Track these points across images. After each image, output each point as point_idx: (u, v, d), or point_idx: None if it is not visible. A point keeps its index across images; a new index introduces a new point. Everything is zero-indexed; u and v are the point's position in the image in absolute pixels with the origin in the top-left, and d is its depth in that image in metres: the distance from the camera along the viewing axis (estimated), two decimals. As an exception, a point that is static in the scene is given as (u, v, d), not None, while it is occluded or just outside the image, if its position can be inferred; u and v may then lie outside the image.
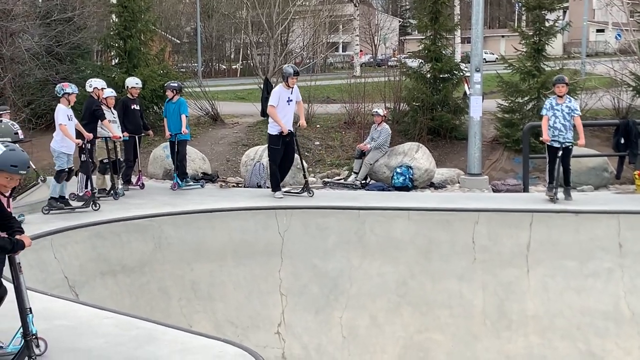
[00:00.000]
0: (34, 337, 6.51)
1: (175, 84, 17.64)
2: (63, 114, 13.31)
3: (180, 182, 16.67)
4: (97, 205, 13.41)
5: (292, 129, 15.35)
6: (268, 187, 16.73)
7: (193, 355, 6.96)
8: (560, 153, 14.66)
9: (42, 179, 15.06)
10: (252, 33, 32.00)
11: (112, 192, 14.83)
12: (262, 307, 12.94)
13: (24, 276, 6.54)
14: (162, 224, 13.13)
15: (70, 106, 13.61)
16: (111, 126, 14.89)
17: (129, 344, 7.27)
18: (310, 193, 15.44)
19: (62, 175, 13.38)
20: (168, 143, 17.68)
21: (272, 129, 15.32)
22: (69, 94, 13.49)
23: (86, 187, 13.95)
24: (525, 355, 12.66)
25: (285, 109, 15.28)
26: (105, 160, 15.13)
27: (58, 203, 13.31)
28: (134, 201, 14.63)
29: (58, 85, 13.89)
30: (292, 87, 15.46)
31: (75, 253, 11.66)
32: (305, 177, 15.95)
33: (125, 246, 12.46)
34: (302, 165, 16.15)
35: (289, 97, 15.33)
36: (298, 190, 15.76)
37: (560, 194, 14.77)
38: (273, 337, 12.65)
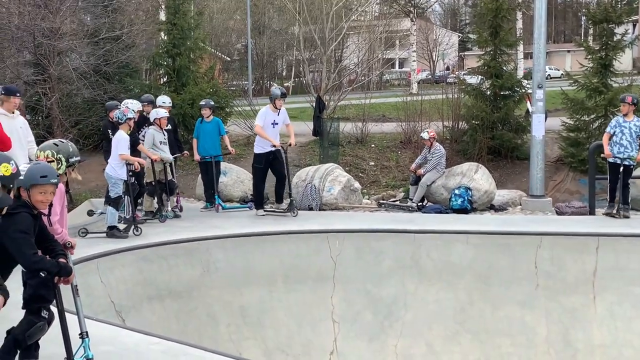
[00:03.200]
0: None
1: (213, 102, 17.84)
2: (124, 143, 13.25)
3: (223, 204, 16.85)
4: (139, 229, 13.40)
5: (280, 148, 15.79)
6: (322, 209, 16.87)
7: (241, 383, 7.04)
8: (621, 169, 15.16)
9: (97, 212, 15.04)
10: (304, 50, 32.13)
11: (157, 214, 14.96)
12: (313, 335, 12.97)
13: (80, 300, 6.73)
14: (210, 248, 13.25)
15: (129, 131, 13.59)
16: (147, 150, 14.90)
17: (176, 371, 7.35)
18: (294, 213, 15.60)
19: (120, 202, 13.47)
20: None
21: (257, 148, 15.86)
22: (130, 119, 13.52)
23: (133, 211, 13.95)
24: (592, 387, 12.54)
25: (269, 130, 15.68)
26: (153, 183, 15.23)
27: (120, 232, 13.18)
28: (181, 224, 14.79)
29: (119, 111, 13.80)
30: (279, 109, 15.86)
31: (122, 277, 11.78)
32: (290, 196, 16.02)
33: (173, 270, 12.58)
34: (289, 184, 16.19)
35: (274, 120, 15.78)
36: (282, 210, 15.97)
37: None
38: (325, 366, 12.68)
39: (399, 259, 13.70)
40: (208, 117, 17.07)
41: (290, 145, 16.23)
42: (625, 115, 15.32)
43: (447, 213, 17.08)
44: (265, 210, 15.99)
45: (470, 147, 23.74)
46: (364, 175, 23.41)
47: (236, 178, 18.79)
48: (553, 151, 23.17)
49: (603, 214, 15.93)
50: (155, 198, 15.26)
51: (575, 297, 13.21)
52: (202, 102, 17.63)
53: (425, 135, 18.56)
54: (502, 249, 13.71)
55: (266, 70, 60.97)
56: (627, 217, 15.50)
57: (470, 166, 18.36)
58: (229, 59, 51.35)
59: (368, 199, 19.81)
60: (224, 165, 18.97)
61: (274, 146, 15.62)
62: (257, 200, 16.16)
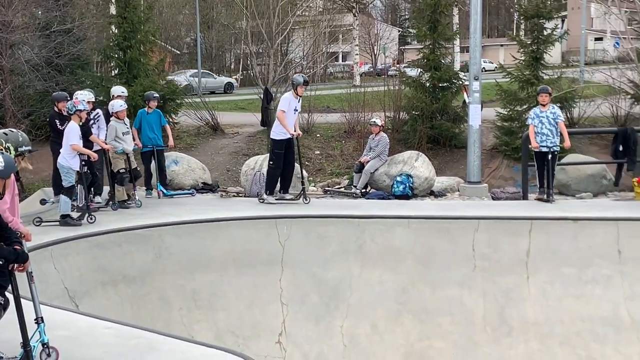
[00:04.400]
0: (45, 346, 6.65)
1: (157, 94, 17.71)
2: (75, 134, 12.97)
3: (165, 191, 16.70)
4: (93, 217, 13.17)
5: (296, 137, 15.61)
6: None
7: (194, 364, 6.96)
8: (549, 157, 15.51)
9: (50, 201, 14.80)
10: (251, 43, 31.97)
11: (110, 203, 14.75)
12: (263, 317, 12.92)
13: (35, 286, 6.69)
14: (162, 234, 13.12)
15: (81, 122, 13.31)
16: (100, 141, 14.67)
17: (129, 354, 7.27)
18: (306, 200, 15.51)
19: (73, 191, 13.24)
20: (169, 154, 17.80)
21: (277, 135, 15.51)
22: (80, 110, 13.26)
23: (85, 199, 13.71)
24: (526, 361, 12.68)
25: (291, 116, 15.45)
26: (121, 171, 15.04)
27: (74, 220, 12.96)
28: (134, 211, 14.61)
29: (70, 102, 13.60)
30: (300, 97, 15.79)
31: (76, 264, 11.62)
32: (302, 184, 15.93)
33: (126, 256, 12.44)
34: (301, 172, 16.13)
35: (296, 107, 15.63)
36: (294, 197, 15.78)
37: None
38: (274, 347, 12.63)
39: (344, 243, 13.69)
40: (151, 108, 16.88)
41: (299, 135, 16.05)
42: (542, 106, 15.68)
43: (389, 199, 17.13)
44: (275, 199, 15.68)
45: (411, 136, 23.85)
46: (310, 163, 23.37)
47: (187, 167, 18.61)
48: (488, 140, 23.37)
49: (535, 198, 16.15)
50: (124, 187, 15.06)
51: (510, 277, 13.34)
52: (147, 94, 17.51)
53: (378, 121, 18.59)
54: (441, 233, 13.79)
55: (215, 63, 60.59)
56: (551, 202, 15.65)
57: (411, 154, 18.43)
58: (178, 52, 50.98)
59: (314, 186, 19.80)
60: (175, 154, 18.90)
61: (291, 134, 15.42)
62: (270, 186, 15.80)
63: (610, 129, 21.60)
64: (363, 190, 17.70)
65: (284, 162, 15.61)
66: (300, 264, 13.44)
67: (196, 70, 46.80)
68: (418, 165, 18.00)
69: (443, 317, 13.11)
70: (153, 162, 16.76)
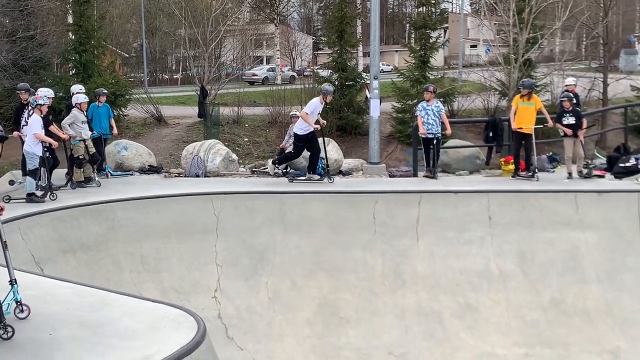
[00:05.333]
0: (18, 303, 6.63)
1: (106, 91, 17.44)
2: (38, 125, 12.58)
3: (112, 172, 16.50)
4: (54, 195, 12.83)
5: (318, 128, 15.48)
6: (207, 177, 16.60)
7: (141, 317, 6.83)
8: (434, 142, 15.78)
9: (17, 182, 14.33)
10: (189, 48, 31.59)
11: (69, 183, 14.37)
12: (201, 276, 12.79)
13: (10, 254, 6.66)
14: (114, 209, 12.83)
15: (42, 115, 12.93)
16: (57, 130, 14.33)
17: (85, 309, 7.11)
18: (330, 180, 15.32)
19: (37, 173, 12.87)
20: (120, 141, 17.62)
21: (299, 131, 15.32)
22: (40, 105, 12.89)
23: (48, 180, 13.35)
24: (416, 307, 12.83)
25: (313, 117, 15.21)
26: (80, 157, 14.68)
27: (38, 198, 12.58)
28: (89, 190, 14.23)
29: (32, 98, 13.26)
30: (326, 103, 15.64)
31: (40, 235, 11.32)
32: (327, 166, 15.74)
33: (83, 228, 12.15)
34: (326, 157, 15.90)
35: (319, 111, 15.38)
36: (319, 178, 15.50)
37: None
38: (210, 301, 12.51)
39: (268, 214, 13.63)
40: (101, 102, 16.54)
41: (324, 124, 15.84)
42: (427, 100, 15.90)
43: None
44: (304, 179, 15.52)
45: (323, 126, 23.88)
46: (239, 148, 23.25)
47: (135, 152, 18.22)
48: (386, 128, 23.63)
49: (423, 176, 16.35)
50: (83, 168, 14.62)
51: (403, 240, 13.47)
52: (96, 90, 17.16)
53: (297, 113, 18.58)
54: (348, 205, 13.84)
55: (158, 65, 59.62)
56: (436, 178, 15.90)
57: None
58: (127, 55, 49.86)
59: (243, 168, 19.61)
60: (125, 141, 18.61)
61: (314, 127, 15.18)
62: (282, 160, 16.08)
63: (482, 118, 22.04)
64: (284, 171, 17.63)
65: (311, 149, 15.43)
66: (232, 232, 13.33)
67: (271, 65, 47.23)
68: (329, 149, 17.94)
69: (350, 273, 13.19)
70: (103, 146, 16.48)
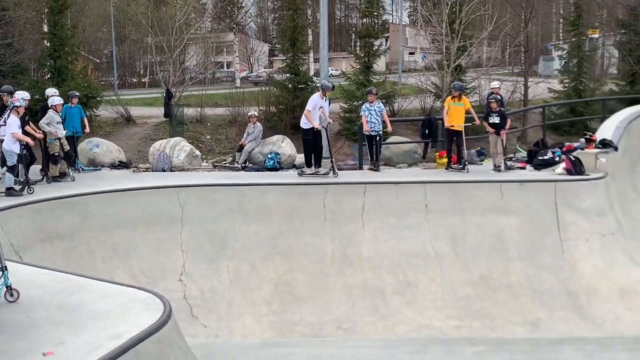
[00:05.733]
0: (9, 288, 6.61)
1: (78, 93, 17.18)
2: (15, 125, 12.26)
3: (83, 167, 16.29)
4: (32, 189, 12.52)
5: (324, 126, 15.29)
6: (172, 171, 16.43)
7: (112, 299, 6.74)
8: (377, 138, 15.88)
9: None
10: (155, 54, 31.14)
11: (44, 178, 14.08)
12: (167, 262, 12.64)
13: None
14: (87, 201, 12.59)
15: (19, 116, 12.63)
16: (32, 130, 14.01)
17: (62, 293, 6.99)
18: (335, 174, 14.96)
19: (16, 169, 12.55)
20: (92, 139, 17.33)
21: (304, 125, 15.18)
22: (17, 107, 12.58)
23: (26, 175, 13.02)
24: (362, 285, 12.87)
25: (316, 112, 15.07)
26: (56, 154, 14.37)
27: (17, 191, 12.23)
28: (64, 184, 13.97)
29: (9, 100, 12.95)
30: (326, 97, 15.39)
31: (19, 225, 11.03)
32: (332, 161, 15.32)
33: (59, 219, 11.89)
34: (330, 152, 15.69)
35: (321, 105, 15.19)
36: (325, 172, 15.21)
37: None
38: (177, 284, 12.38)
39: (229, 204, 13.54)
40: (74, 104, 16.25)
41: (329, 123, 15.72)
42: (371, 102, 15.97)
43: (263, 171, 17.04)
44: (309, 173, 15.15)
45: (278, 124, 23.91)
46: (202, 145, 23.07)
47: (106, 149, 17.97)
48: (334, 126, 23.63)
49: (367, 169, 16.42)
50: (59, 165, 14.35)
51: (350, 226, 13.52)
52: (69, 93, 16.91)
53: (255, 113, 18.61)
54: (301, 195, 13.82)
55: (128, 70, 58.68)
56: (379, 170, 15.98)
57: (279, 137, 18.37)
58: (98, 60, 48.97)
59: (206, 163, 19.45)
60: (96, 139, 18.34)
61: (315, 127, 14.94)
62: (307, 163, 15.42)
63: (419, 117, 22.23)
64: (243, 165, 17.56)
65: (316, 142, 15.21)
66: (196, 221, 13.21)
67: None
68: (284, 145, 17.97)
69: (303, 256, 13.18)
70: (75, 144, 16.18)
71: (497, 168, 15.56)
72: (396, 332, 12.08)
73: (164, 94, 25.71)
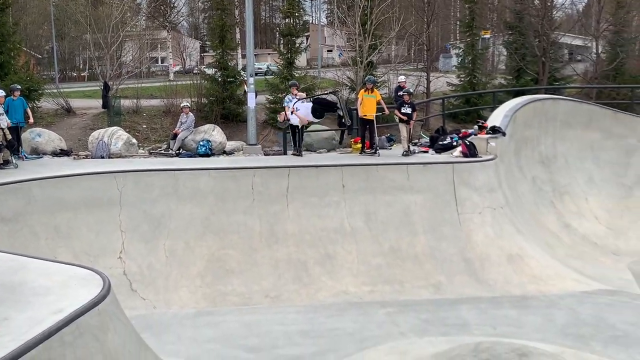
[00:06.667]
0: None
1: (20, 86, 16.50)
2: None
3: (27, 155, 15.74)
4: None
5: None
6: (111, 158, 15.94)
7: (54, 277, 6.46)
8: (299, 127, 15.83)
9: None
10: (94, 50, 30.03)
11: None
12: (107, 241, 12.26)
13: None
14: (30, 187, 12.03)
15: None
16: None
17: (6, 272, 6.64)
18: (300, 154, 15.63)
19: None
20: (34, 129, 16.62)
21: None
22: None
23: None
24: (287, 259, 12.90)
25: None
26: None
27: None
28: (8, 171, 13.34)
29: None
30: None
31: (-38, 210, 10.50)
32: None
33: (3, 203, 11.33)
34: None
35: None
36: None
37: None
38: (117, 261, 12.05)
39: (164, 188, 13.23)
40: (16, 96, 15.58)
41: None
42: (293, 94, 15.86)
43: (195, 157, 16.81)
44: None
45: (210, 114, 23.54)
46: (139, 134, 22.45)
47: (48, 138, 17.30)
48: (261, 116, 23.49)
49: (291, 154, 16.41)
50: (2, 153, 13.79)
51: (276, 205, 13.48)
52: (11, 86, 16.22)
53: (187, 104, 18.31)
54: (231, 179, 13.65)
55: (68, 64, 56.33)
56: (301, 155, 16.02)
57: (210, 126, 18.18)
58: (40, 56, 46.81)
59: (142, 150, 19.00)
60: (39, 129, 17.65)
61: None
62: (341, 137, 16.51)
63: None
64: (177, 152, 17.26)
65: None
66: (133, 204, 12.85)
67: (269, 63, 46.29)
68: (215, 133, 17.78)
69: (233, 234, 13.07)
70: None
71: (407, 153, 15.81)
72: (317, 299, 12.19)
73: (102, 87, 24.90)
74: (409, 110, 15.86)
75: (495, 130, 15.99)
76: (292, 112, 15.52)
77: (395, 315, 11.38)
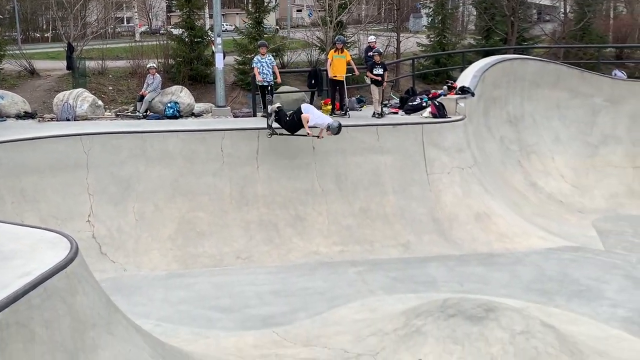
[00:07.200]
0: None
1: None
2: None
3: None
4: None
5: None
6: (77, 120, 15.62)
7: (21, 240, 6.37)
8: (268, 88, 15.51)
9: None
10: (56, 10, 29.09)
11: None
12: (75, 205, 12.12)
13: None
14: (-6, 150, 11.81)
15: None
16: None
17: (-30, 237, 6.54)
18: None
19: None
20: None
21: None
22: None
23: None
24: (258, 220, 12.93)
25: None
26: None
27: None
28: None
29: None
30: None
31: None
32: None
33: (-35, 168, 11.12)
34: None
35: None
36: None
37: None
38: (85, 224, 11.94)
39: (132, 150, 13.05)
40: None
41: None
42: (262, 54, 15.60)
43: (163, 119, 16.56)
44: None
45: (177, 75, 23.14)
46: (105, 96, 22.01)
47: (11, 101, 16.81)
48: (230, 77, 23.19)
49: (261, 116, 16.19)
50: None
51: (246, 168, 13.43)
52: None
53: (154, 65, 17.92)
54: (200, 141, 13.52)
55: (30, 25, 54.61)
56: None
57: (177, 88, 17.86)
58: (1, 16, 45.28)
59: (109, 112, 18.61)
60: (1, 91, 17.14)
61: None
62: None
63: (306, 69, 22.14)
64: (144, 114, 16.96)
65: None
66: (100, 166, 12.67)
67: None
68: (182, 95, 17.50)
69: (203, 196, 13.01)
70: None
71: (379, 114, 15.76)
72: (289, 259, 12.29)
73: (66, 48, 24.18)
74: (380, 71, 15.78)
75: (464, 90, 16.04)
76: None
77: (366, 274, 11.55)
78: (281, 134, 13.36)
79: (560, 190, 16.75)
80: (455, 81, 17.22)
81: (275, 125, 13.38)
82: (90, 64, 24.56)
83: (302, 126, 12.91)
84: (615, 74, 21.31)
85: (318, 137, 13.02)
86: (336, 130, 12.60)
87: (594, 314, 9.93)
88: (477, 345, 7.46)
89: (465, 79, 16.88)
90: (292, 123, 13.10)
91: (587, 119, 18.34)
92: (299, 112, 12.96)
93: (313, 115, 12.82)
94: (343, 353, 7.81)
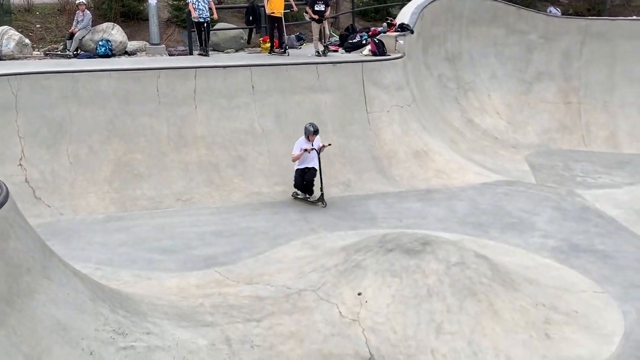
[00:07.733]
0: None
1: None
2: None
3: None
4: None
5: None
6: (2, 59, 14.81)
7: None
8: (205, 25, 15.38)
9: None
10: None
11: None
12: (5, 148, 11.62)
13: None
14: None
15: None
16: None
17: None
18: (324, 204, 12.00)
19: None
20: None
21: (295, 166, 12.11)
22: None
23: None
24: (198, 162, 12.76)
25: (305, 155, 12.03)
26: None
27: None
28: None
29: None
30: (312, 141, 12.08)
31: None
32: (321, 190, 12.11)
33: None
34: (321, 182, 12.10)
35: (306, 148, 11.93)
36: (315, 200, 12.18)
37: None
38: (17, 168, 11.51)
39: (63, 91, 12.52)
40: None
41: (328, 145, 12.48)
42: None
43: (95, 58, 15.92)
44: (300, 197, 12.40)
45: (108, 12, 21.96)
46: (32, 34, 20.81)
47: None
48: (164, 14, 22.24)
49: (197, 54, 15.90)
50: None
51: (184, 108, 13.17)
52: None
53: (84, 1, 17.10)
54: (135, 80, 13.10)
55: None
56: (208, 55, 15.61)
57: (109, 25, 17.14)
58: None
59: (37, 51, 17.72)
60: None
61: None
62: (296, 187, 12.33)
63: (243, 5, 21.48)
64: (75, 52, 16.26)
65: (303, 178, 11.97)
66: (30, 108, 12.12)
67: None
68: (114, 33, 16.84)
69: (140, 137, 12.69)
70: None
71: (322, 52, 15.55)
72: (231, 200, 12.26)
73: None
74: (322, 7, 15.49)
75: (403, 28, 16.01)
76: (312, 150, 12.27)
77: (307, 213, 11.68)
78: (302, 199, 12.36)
79: (495, 126, 17.18)
80: (394, 18, 17.15)
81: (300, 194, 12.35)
82: (15, 0, 23.17)
83: (310, 183, 12.00)
84: (550, 11, 21.69)
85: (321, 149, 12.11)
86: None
87: (526, 244, 10.43)
88: (414, 277, 7.73)
89: (404, 16, 16.82)
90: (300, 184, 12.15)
91: (522, 55, 18.68)
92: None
93: (295, 149, 11.93)
94: (285, 289, 7.96)
